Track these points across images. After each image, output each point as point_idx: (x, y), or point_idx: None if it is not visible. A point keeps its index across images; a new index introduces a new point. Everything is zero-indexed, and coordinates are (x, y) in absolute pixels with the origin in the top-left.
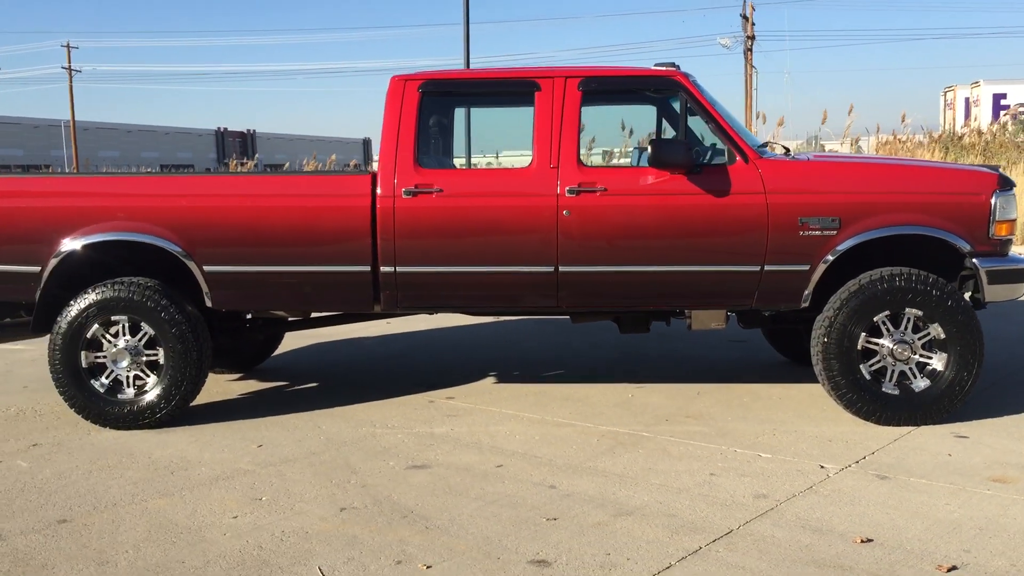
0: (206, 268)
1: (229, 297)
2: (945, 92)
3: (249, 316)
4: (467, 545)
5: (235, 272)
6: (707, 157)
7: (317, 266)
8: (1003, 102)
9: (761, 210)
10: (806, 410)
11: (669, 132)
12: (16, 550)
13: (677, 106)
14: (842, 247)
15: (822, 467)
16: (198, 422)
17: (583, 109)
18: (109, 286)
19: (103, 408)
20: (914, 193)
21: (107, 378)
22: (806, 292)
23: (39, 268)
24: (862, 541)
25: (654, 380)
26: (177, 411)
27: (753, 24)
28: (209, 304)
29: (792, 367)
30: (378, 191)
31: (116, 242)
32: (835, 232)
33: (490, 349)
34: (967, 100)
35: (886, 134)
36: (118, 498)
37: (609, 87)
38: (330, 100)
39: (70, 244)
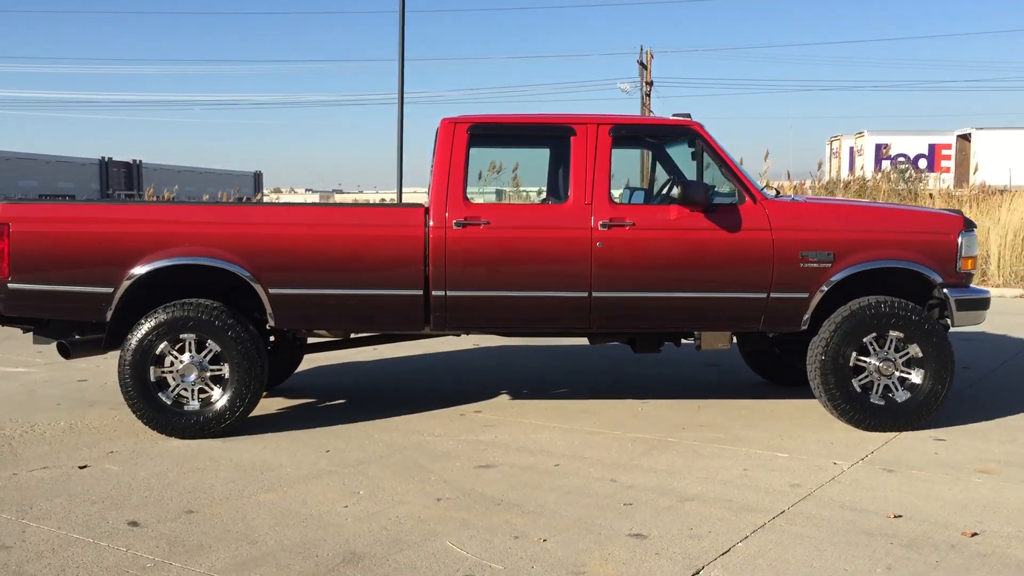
0: (271, 291)
1: (290, 317)
2: (831, 141)
3: (272, 338)
4: (567, 524)
5: (298, 294)
6: (722, 197)
7: (373, 289)
8: (885, 152)
9: (768, 244)
10: (799, 420)
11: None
12: (163, 535)
13: (690, 152)
14: (836, 278)
15: (835, 463)
16: (255, 432)
17: (612, 152)
18: (178, 306)
19: (170, 419)
20: (896, 232)
21: (172, 391)
22: (805, 317)
23: (112, 289)
24: (894, 517)
25: (654, 397)
26: (239, 421)
27: (650, 71)
28: (271, 324)
29: (769, 387)
30: (430, 222)
31: (187, 266)
32: (830, 265)
33: (490, 371)
34: (851, 149)
35: (796, 180)
36: (227, 493)
37: (635, 133)
38: (225, 132)
39: (143, 267)
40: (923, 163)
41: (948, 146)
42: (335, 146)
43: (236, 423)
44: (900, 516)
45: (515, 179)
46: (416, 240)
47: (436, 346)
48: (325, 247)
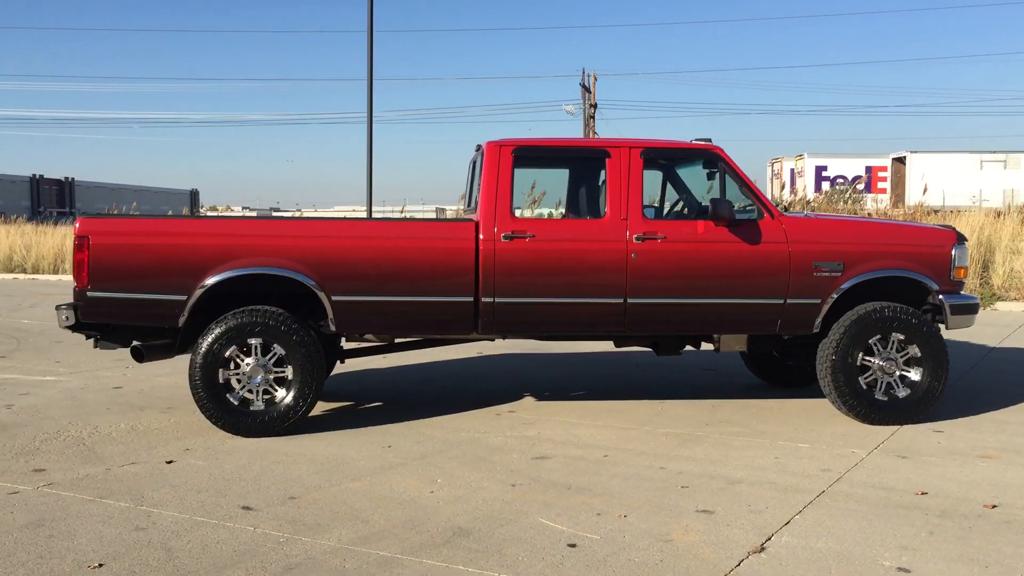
0: (334, 298)
1: (351, 322)
2: (772, 163)
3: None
4: (637, 503)
5: (359, 301)
6: (742, 214)
7: (428, 296)
8: (824, 174)
9: (785, 256)
10: (808, 416)
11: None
12: (279, 516)
13: (705, 173)
14: (845, 286)
15: (854, 452)
16: (314, 431)
17: (643, 173)
18: (247, 313)
19: (238, 419)
20: (898, 244)
21: (239, 392)
22: (817, 320)
23: (186, 297)
24: (920, 494)
25: (668, 398)
26: (300, 420)
27: (594, 94)
28: (333, 328)
29: (768, 388)
30: (480, 236)
31: (256, 276)
32: (840, 274)
33: (504, 377)
34: (792, 171)
35: None
36: (318, 483)
37: (664, 156)
38: (164, 150)
39: (215, 277)
40: (860, 184)
41: (884, 168)
42: (275, 165)
43: (299, 422)
44: (925, 493)
45: (533, 198)
46: (468, 252)
47: (442, 354)
48: (385, 257)
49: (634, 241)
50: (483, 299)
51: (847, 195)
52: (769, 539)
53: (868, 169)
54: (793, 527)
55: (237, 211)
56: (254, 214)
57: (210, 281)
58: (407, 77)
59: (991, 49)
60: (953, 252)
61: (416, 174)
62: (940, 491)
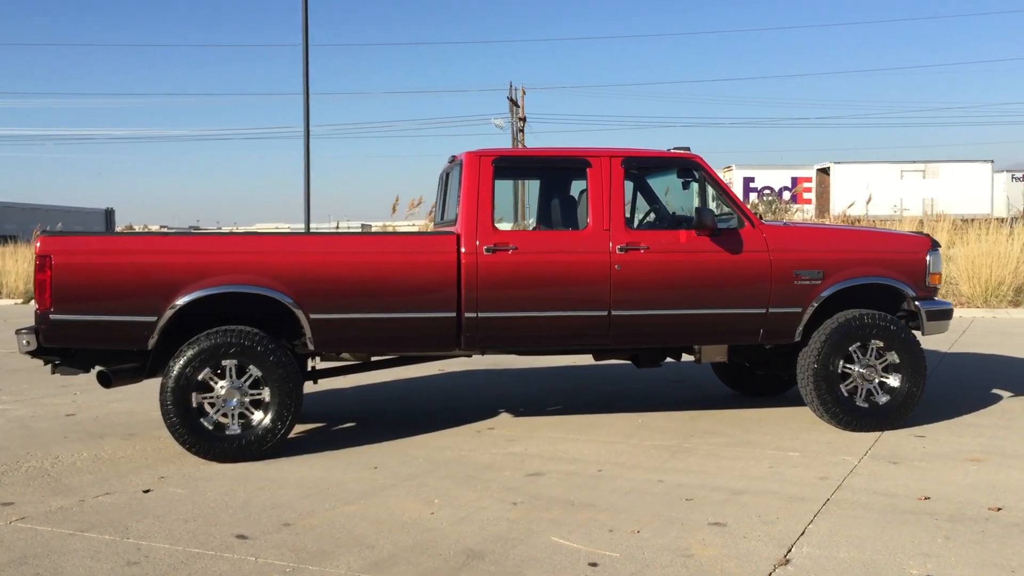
0: (312, 316)
1: (329, 340)
2: None
3: None
4: (647, 518)
5: (339, 319)
6: (722, 222)
7: (409, 312)
8: (752, 185)
9: (766, 265)
10: (789, 424)
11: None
12: (279, 544)
13: (681, 182)
14: (825, 294)
15: (845, 459)
16: (292, 454)
17: (624, 182)
18: (221, 334)
19: (213, 444)
20: (875, 252)
21: (213, 417)
22: (799, 329)
23: (155, 318)
24: (924, 499)
25: (644, 410)
26: (279, 444)
27: (523, 107)
28: (311, 347)
29: (740, 397)
30: (462, 248)
31: (231, 294)
32: (820, 282)
33: (471, 394)
34: None
35: None
36: (310, 508)
37: (644, 165)
38: (76, 168)
39: (186, 296)
40: (786, 195)
41: (809, 179)
42: (196, 182)
43: (277, 446)
44: (928, 498)
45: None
46: (450, 265)
47: (404, 373)
48: (364, 273)
49: (617, 252)
50: (466, 314)
51: (774, 206)
52: (790, 550)
53: (794, 180)
54: (810, 537)
55: (155, 229)
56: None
57: (181, 301)
58: (333, 92)
59: (909, 62)
60: (928, 258)
61: (340, 190)
62: (942, 495)
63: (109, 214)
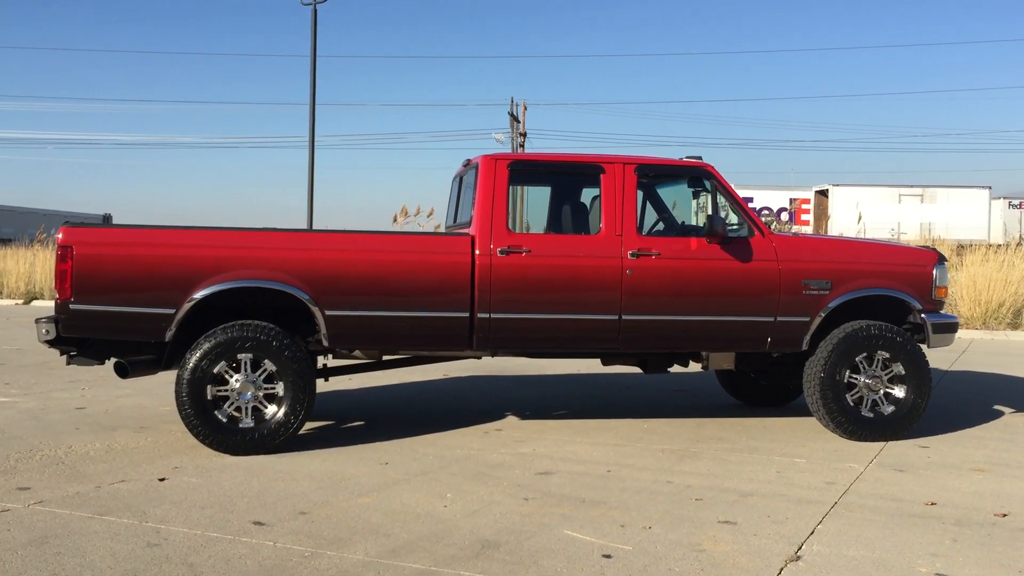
0: (328, 312)
1: (344, 338)
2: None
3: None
4: (658, 515)
5: (354, 316)
6: (732, 231)
7: (423, 311)
8: (750, 205)
9: (775, 274)
10: (794, 433)
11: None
12: (296, 531)
13: (691, 191)
14: (833, 304)
15: (851, 466)
16: (303, 449)
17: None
18: (237, 327)
19: (226, 437)
20: (882, 264)
21: (227, 410)
22: (806, 338)
23: (174, 311)
24: (930, 504)
25: (649, 416)
26: (291, 439)
27: (524, 122)
28: (325, 344)
29: (744, 407)
30: (477, 250)
31: (248, 289)
32: (828, 292)
33: (478, 398)
34: None
35: None
36: (324, 498)
37: (657, 172)
38: (82, 172)
39: (205, 290)
40: (784, 216)
41: (807, 200)
42: (198, 188)
43: (289, 440)
44: (935, 504)
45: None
46: (464, 266)
47: (408, 376)
48: (381, 271)
49: (629, 257)
50: (479, 315)
51: (772, 226)
52: (800, 548)
53: (792, 201)
54: (820, 536)
55: None
56: None
57: (200, 294)
58: (332, 103)
59: (912, 88)
60: (934, 272)
61: (341, 200)
62: (948, 501)
63: (106, 219)
